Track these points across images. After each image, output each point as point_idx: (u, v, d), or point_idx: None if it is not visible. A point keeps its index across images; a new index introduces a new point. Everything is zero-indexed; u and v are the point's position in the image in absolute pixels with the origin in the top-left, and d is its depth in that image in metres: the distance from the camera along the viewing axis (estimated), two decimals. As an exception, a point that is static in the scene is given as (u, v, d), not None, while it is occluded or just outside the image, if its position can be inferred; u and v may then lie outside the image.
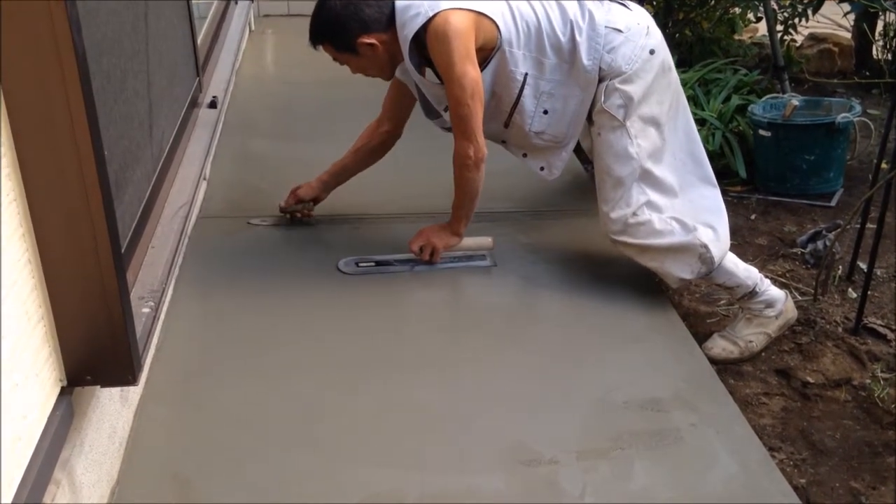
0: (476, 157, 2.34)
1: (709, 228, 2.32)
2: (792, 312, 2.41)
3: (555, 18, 2.29)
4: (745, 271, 2.36)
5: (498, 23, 2.26)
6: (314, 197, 2.79)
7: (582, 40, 2.26)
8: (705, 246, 2.28)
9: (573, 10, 2.30)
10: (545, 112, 2.35)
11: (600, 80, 2.28)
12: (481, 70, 2.29)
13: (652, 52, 2.28)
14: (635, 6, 2.38)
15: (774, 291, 2.38)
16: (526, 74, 2.30)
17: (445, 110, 2.41)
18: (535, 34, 2.28)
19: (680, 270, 2.33)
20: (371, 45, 2.32)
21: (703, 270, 2.32)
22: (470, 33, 2.22)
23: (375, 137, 2.72)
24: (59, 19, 1.27)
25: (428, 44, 2.25)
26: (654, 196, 2.32)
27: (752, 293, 2.35)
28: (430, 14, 2.21)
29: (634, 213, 2.32)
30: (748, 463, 1.84)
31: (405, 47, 2.29)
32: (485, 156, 2.35)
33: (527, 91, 2.32)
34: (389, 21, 2.30)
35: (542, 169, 2.50)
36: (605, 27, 2.26)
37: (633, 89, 2.27)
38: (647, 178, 2.31)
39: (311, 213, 2.82)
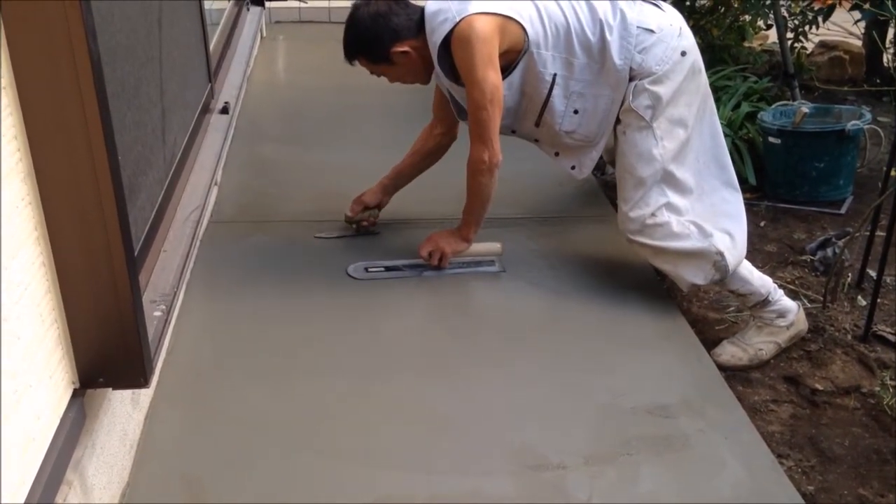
0: (491, 162, 2.35)
1: (726, 235, 2.32)
2: (803, 324, 2.40)
3: (584, 18, 2.29)
4: (759, 279, 2.36)
5: (525, 25, 2.27)
6: (378, 202, 2.81)
7: (613, 39, 2.26)
8: (721, 253, 2.29)
9: (603, 9, 2.30)
10: (575, 112, 2.35)
11: (630, 80, 2.28)
12: (510, 72, 2.31)
13: (683, 53, 2.28)
14: (668, 7, 2.38)
15: (787, 302, 2.37)
16: (555, 75, 2.31)
17: None
18: (564, 35, 2.29)
19: (693, 275, 2.34)
20: (404, 52, 2.34)
21: (717, 277, 2.32)
22: (493, 38, 2.23)
23: (431, 140, 2.75)
24: (74, 26, 1.29)
25: (452, 48, 2.27)
26: (675, 198, 2.32)
27: (765, 302, 2.34)
28: (457, 19, 2.23)
29: (653, 214, 2.32)
30: (756, 469, 1.85)
31: (434, 53, 2.31)
32: (499, 162, 2.36)
33: (556, 91, 2.33)
34: (419, 27, 2.33)
35: (573, 168, 2.50)
36: (637, 27, 2.26)
37: (663, 90, 2.27)
38: (669, 179, 2.31)
39: (376, 221, 2.82)
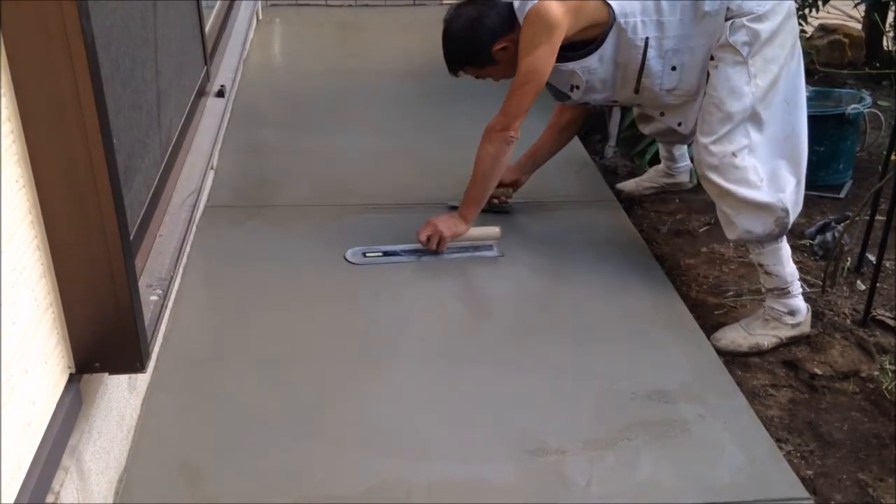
0: (502, 132, 2.39)
1: (794, 193, 2.30)
2: (808, 327, 2.37)
3: None
4: (791, 267, 2.34)
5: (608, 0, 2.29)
6: (513, 181, 2.81)
7: None
8: (786, 210, 2.26)
9: None
10: (673, 68, 2.36)
11: (726, 20, 2.26)
12: (598, 45, 2.34)
13: None
14: None
15: (800, 302, 2.35)
16: (647, 39, 2.32)
17: (571, 89, 2.45)
18: None
19: (752, 224, 2.28)
20: (504, 48, 2.39)
21: (775, 233, 2.28)
22: (560, 24, 2.27)
23: (566, 112, 2.77)
24: (68, 7, 1.27)
25: (522, 24, 2.31)
26: (757, 140, 2.28)
27: (784, 292, 2.32)
28: (536, 0, 2.27)
29: (734, 154, 2.27)
30: (755, 454, 1.84)
31: None
32: (510, 137, 2.40)
33: (651, 53, 2.34)
34: (511, 20, 2.37)
35: (679, 125, 2.51)
36: None
37: (762, 28, 2.24)
38: (755, 120, 2.28)
39: (508, 199, 2.82)
